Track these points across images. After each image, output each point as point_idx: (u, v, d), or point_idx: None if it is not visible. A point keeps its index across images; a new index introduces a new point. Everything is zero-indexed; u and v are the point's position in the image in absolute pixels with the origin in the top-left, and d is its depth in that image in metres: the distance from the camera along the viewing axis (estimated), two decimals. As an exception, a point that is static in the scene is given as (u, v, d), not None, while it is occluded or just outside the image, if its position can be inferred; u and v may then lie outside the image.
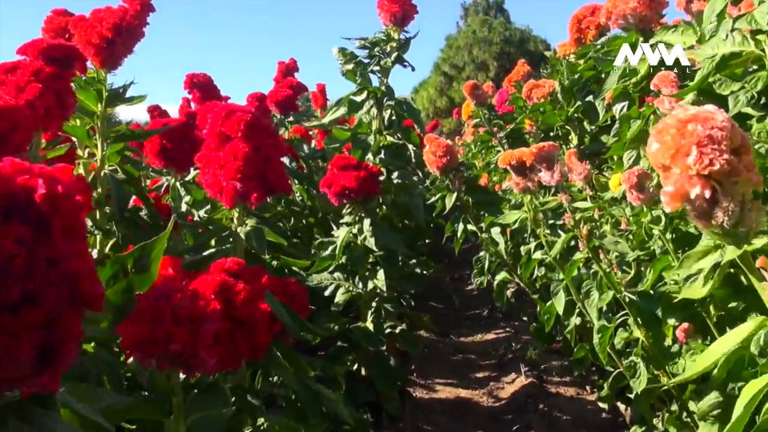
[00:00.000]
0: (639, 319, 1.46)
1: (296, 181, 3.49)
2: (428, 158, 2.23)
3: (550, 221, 1.78)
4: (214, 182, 1.30)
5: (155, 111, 3.61)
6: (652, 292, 1.44)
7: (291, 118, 3.27)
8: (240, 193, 1.29)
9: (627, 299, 1.42)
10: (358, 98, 2.70)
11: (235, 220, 1.39)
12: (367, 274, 2.52)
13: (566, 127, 2.88)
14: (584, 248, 1.46)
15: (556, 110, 2.81)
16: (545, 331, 2.10)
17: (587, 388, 2.80)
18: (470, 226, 2.32)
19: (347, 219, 2.56)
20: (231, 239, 1.39)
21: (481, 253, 2.45)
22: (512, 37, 24.67)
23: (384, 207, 2.78)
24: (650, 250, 1.49)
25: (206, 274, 1.00)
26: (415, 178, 2.84)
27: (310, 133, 4.49)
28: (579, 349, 1.96)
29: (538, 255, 1.86)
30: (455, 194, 2.22)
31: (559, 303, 1.73)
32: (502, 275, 2.42)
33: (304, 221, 3.35)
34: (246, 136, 1.29)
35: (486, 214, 2.38)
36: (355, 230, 2.49)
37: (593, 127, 2.62)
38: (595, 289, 1.47)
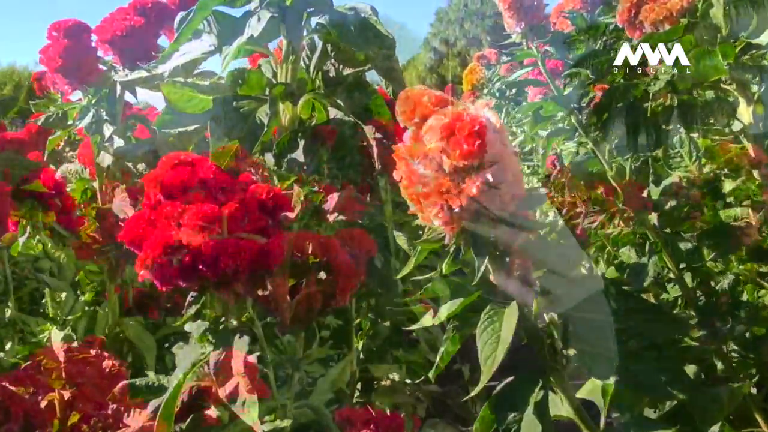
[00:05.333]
0: None
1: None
2: (407, 171, 0.61)
3: None
4: None
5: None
6: None
7: (143, 73, 1.64)
8: None
9: None
10: (237, 9, 1.08)
11: None
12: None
13: (724, 86, 1.29)
14: None
15: (713, 48, 1.20)
16: None
17: None
18: None
19: (194, 328, 0.95)
20: None
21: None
22: (507, 9, 23.17)
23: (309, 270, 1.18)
24: None
25: None
26: (382, 204, 1.29)
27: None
28: None
29: None
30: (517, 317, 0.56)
31: None
32: None
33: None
34: None
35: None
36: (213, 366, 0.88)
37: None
38: None
